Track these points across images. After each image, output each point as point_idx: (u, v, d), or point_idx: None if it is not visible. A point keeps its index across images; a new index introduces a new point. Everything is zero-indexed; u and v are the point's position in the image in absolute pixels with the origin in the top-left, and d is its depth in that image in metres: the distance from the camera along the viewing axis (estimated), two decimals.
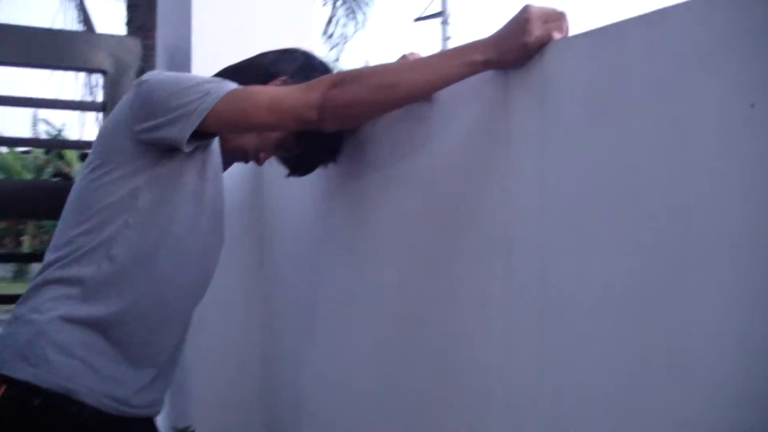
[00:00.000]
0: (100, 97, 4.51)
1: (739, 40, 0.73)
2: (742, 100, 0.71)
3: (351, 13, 12.26)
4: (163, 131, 1.11)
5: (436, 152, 1.24)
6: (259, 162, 1.37)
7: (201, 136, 1.13)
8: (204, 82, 1.13)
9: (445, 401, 1.21)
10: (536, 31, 0.97)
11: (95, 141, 1.21)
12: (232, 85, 1.13)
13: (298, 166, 1.42)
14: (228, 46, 1.84)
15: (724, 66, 0.74)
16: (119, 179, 1.14)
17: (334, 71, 1.36)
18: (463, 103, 1.14)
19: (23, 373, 1.08)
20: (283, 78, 1.29)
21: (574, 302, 0.93)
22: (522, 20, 0.98)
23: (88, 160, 1.20)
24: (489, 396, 1.09)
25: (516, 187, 1.04)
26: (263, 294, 1.90)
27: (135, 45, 1.91)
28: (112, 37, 1.92)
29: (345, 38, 12.35)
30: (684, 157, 0.78)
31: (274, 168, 1.50)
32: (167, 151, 1.16)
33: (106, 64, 1.85)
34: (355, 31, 12.43)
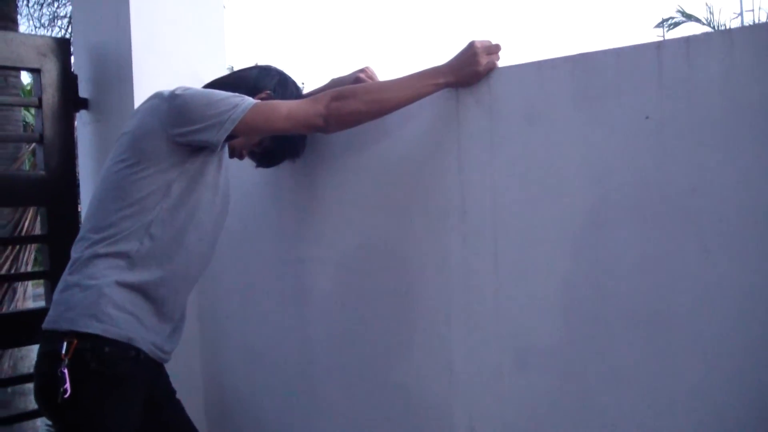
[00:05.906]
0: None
1: (636, 74, 1.18)
2: (640, 113, 1.16)
3: None
4: (200, 134, 1.39)
5: (389, 147, 1.59)
6: (241, 157, 1.65)
7: (227, 138, 1.41)
8: (229, 96, 1.42)
9: (407, 325, 1.56)
10: (484, 61, 1.37)
11: (125, 140, 1.43)
12: (252, 100, 1.42)
13: (267, 160, 1.70)
14: (167, 46, 2.03)
15: (625, 90, 1.19)
16: (156, 174, 1.40)
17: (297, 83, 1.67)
18: (417, 108, 1.50)
19: (93, 327, 1.34)
20: (268, 92, 1.58)
21: (523, 243, 1.36)
22: (471, 54, 1.39)
23: (118, 155, 1.42)
24: (451, 317, 1.47)
25: (468, 168, 1.43)
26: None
27: (65, 45, 2.02)
28: (43, 37, 1.98)
29: None
30: (597, 153, 1.24)
31: (234, 164, 1.75)
32: (195, 150, 1.43)
33: (40, 63, 1.93)
34: None
